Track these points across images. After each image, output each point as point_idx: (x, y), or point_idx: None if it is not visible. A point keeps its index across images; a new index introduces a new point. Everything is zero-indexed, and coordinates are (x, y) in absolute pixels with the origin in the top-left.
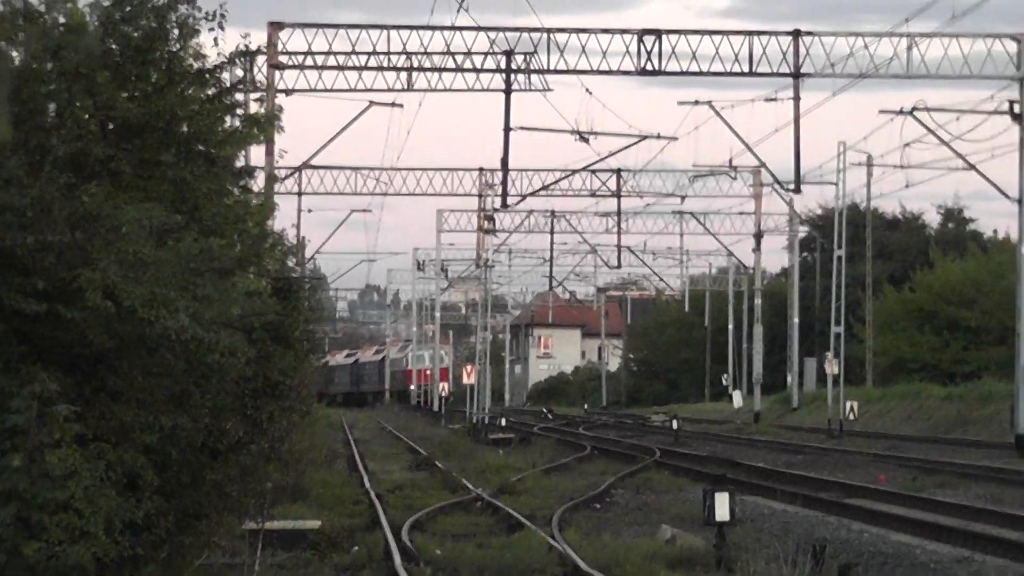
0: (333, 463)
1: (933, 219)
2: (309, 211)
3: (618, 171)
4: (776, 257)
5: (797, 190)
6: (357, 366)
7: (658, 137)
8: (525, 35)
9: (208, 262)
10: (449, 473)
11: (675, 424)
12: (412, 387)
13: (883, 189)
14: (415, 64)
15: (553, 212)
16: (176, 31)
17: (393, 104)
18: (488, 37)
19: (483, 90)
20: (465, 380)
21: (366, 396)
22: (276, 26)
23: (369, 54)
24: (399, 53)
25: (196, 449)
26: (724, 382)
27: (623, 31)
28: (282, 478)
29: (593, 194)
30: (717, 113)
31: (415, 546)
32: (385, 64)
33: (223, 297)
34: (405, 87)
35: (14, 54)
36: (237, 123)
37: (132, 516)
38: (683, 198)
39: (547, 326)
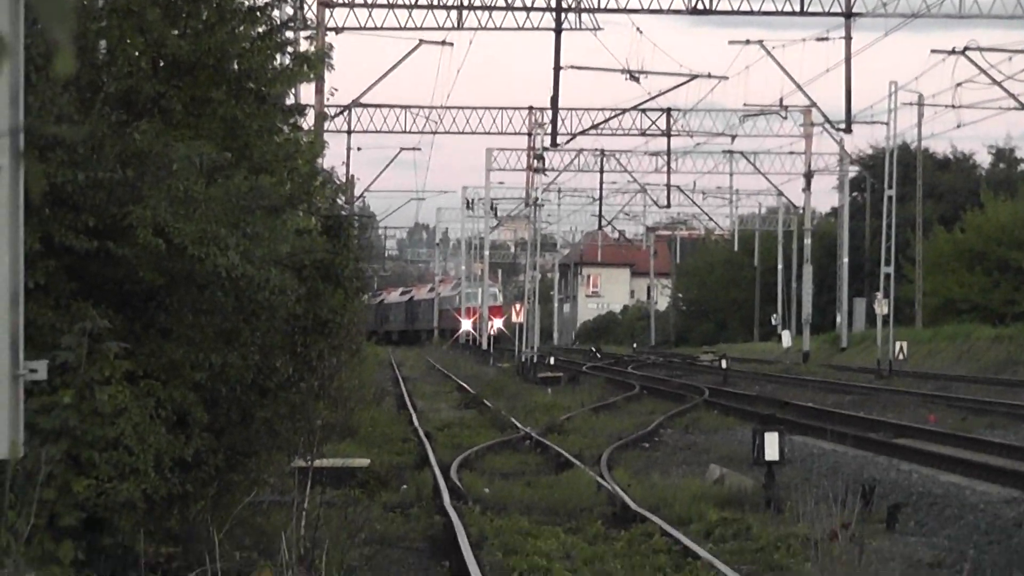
0: (382, 401)
1: (984, 159)
2: (359, 149)
3: (668, 110)
4: (826, 197)
5: (848, 130)
6: (412, 304)
7: (708, 77)
8: None
9: (258, 200)
10: (497, 412)
11: (724, 364)
12: (464, 325)
13: (934, 129)
14: (465, 3)
15: (603, 151)
16: None
17: (443, 43)
18: None
19: (533, 29)
20: (514, 319)
21: (420, 334)
22: None
23: None
24: None
25: (246, 387)
26: (773, 322)
27: None
28: (331, 416)
29: (643, 133)
30: (768, 53)
31: (464, 485)
32: (435, 3)
33: (273, 235)
34: (455, 26)
35: None
36: (287, 61)
37: (181, 453)
38: (733, 138)
39: (596, 265)
